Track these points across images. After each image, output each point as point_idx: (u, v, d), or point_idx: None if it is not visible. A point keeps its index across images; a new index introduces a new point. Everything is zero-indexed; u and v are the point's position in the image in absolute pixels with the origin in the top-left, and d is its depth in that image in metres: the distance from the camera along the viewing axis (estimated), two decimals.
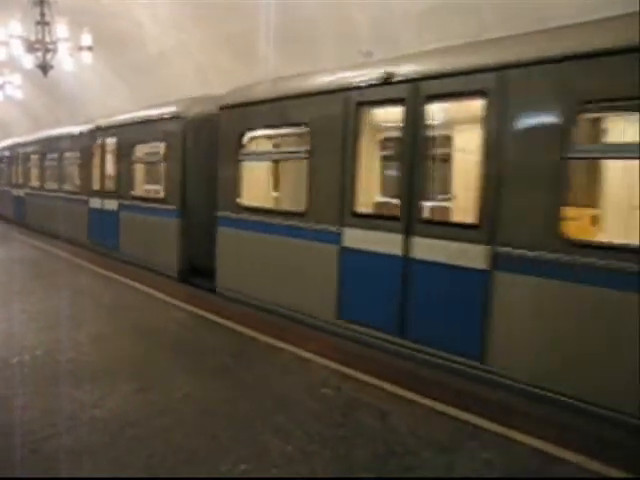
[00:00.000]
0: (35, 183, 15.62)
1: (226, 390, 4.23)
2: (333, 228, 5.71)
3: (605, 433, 3.59)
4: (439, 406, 3.97)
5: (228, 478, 3.07)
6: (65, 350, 4.98)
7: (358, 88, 5.48)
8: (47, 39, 9.07)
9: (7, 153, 18.51)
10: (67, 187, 13.25)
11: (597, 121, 4.73)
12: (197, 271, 8.25)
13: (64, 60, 9.37)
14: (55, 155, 13.98)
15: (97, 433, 3.49)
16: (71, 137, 12.94)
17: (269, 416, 3.78)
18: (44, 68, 9.19)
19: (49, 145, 14.43)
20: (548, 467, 3.19)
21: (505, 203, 4.35)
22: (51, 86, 14.64)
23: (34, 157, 15.64)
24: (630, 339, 3.62)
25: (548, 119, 4.14)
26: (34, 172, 15.77)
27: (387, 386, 4.32)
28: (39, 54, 9.10)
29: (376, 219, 5.44)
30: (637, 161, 3.70)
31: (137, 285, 7.89)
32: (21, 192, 16.80)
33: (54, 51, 9.08)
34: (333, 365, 4.76)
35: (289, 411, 3.86)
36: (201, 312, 6.48)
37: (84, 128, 12.13)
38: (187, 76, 11.16)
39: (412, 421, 3.74)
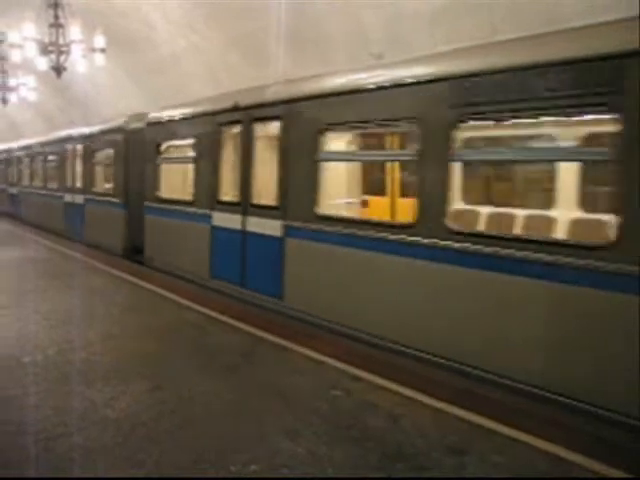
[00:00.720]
0: (26, 182, 18.24)
1: (236, 390, 4.27)
2: (207, 212, 7.88)
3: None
4: (448, 408, 3.97)
5: (238, 478, 3.08)
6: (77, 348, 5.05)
7: (219, 113, 7.72)
8: (61, 41, 9.16)
9: (5, 156, 20.87)
10: (49, 185, 15.64)
11: (334, 136, 6.48)
12: (137, 250, 10.35)
13: (77, 62, 9.47)
14: (41, 158, 16.48)
15: (109, 432, 3.53)
16: (52, 143, 15.48)
17: (279, 417, 3.80)
18: (58, 70, 9.29)
19: (36, 149, 16.97)
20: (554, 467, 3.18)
21: (290, 191, 6.38)
22: (64, 87, 14.80)
23: (26, 160, 18.25)
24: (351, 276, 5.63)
25: (308, 135, 6.08)
26: (25, 172, 18.38)
27: (397, 388, 4.32)
28: (53, 56, 9.20)
29: (228, 205, 7.53)
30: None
31: (147, 285, 8.00)
32: (15, 189, 19.44)
33: (67, 53, 9.17)
34: (343, 367, 4.77)
35: (299, 412, 3.87)
36: (207, 310, 6.54)
37: (60, 136, 14.67)
38: (198, 77, 11.23)
39: (422, 423, 3.74)
